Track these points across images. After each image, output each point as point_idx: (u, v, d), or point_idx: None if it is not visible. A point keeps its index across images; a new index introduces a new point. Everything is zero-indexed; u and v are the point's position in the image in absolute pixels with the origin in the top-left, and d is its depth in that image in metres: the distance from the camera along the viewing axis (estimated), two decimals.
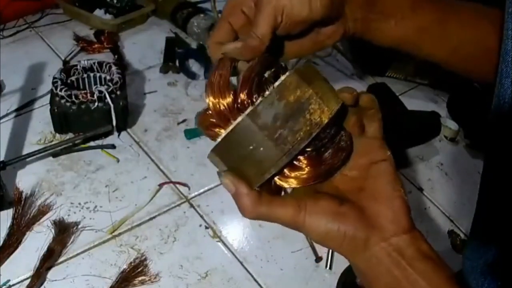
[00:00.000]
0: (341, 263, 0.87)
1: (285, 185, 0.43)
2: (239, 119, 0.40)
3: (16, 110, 1.11)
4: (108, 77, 1.06)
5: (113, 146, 1.04)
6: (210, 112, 0.43)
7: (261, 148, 0.40)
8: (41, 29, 1.36)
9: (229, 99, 0.42)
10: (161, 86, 1.21)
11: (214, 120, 0.43)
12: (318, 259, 0.87)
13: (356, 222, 0.42)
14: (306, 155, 0.42)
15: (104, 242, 0.88)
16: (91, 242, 0.87)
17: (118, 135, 1.06)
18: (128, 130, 1.08)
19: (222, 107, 0.42)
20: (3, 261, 0.83)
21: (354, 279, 0.84)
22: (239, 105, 0.41)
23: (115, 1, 1.40)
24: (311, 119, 0.40)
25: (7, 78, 1.18)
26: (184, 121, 1.12)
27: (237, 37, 0.53)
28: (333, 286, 0.85)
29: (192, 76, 1.23)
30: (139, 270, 0.83)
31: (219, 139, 0.42)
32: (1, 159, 0.95)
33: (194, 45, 1.31)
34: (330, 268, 0.86)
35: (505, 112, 0.53)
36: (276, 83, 0.41)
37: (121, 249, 0.87)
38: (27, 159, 0.98)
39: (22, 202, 0.90)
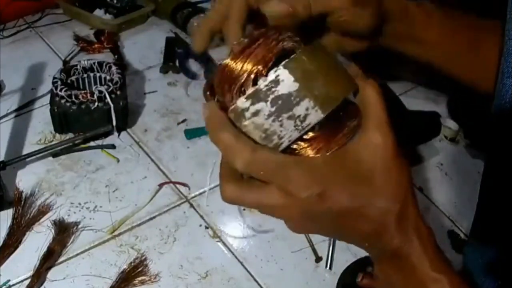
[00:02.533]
0: (341, 263, 0.87)
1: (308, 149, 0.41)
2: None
3: (16, 110, 1.11)
4: (108, 77, 1.06)
5: (113, 146, 1.04)
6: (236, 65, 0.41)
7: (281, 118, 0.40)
8: (41, 29, 1.36)
9: (228, 98, 0.41)
10: (161, 86, 1.21)
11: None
12: (318, 259, 0.87)
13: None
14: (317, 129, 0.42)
15: (104, 242, 0.88)
16: (91, 242, 0.87)
17: (118, 135, 1.06)
18: (128, 130, 1.08)
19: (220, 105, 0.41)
20: (3, 261, 0.83)
21: (354, 279, 0.84)
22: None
23: (115, 1, 1.40)
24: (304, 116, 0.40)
25: (7, 78, 1.18)
26: (184, 121, 1.12)
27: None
28: (333, 286, 0.85)
29: (192, 76, 1.23)
30: (139, 270, 0.83)
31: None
32: (1, 159, 0.95)
33: None
34: (330, 268, 0.86)
35: (506, 112, 0.53)
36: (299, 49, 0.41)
37: (121, 249, 0.87)
38: (27, 159, 0.98)
39: (22, 202, 0.90)
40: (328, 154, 0.41)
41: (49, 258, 0.83)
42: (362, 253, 0.68)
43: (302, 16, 0.47)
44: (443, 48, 0.59)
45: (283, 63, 0.39)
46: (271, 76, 0.39)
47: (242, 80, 0.40)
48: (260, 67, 0.40)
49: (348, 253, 0.88)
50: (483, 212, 0.60)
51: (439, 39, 0.58)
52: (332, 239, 0.89)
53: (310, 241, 0.89)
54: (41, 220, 0.89)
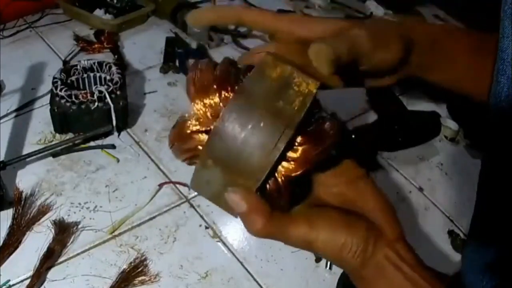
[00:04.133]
0: None
1: (293, 172, 0.39)
2: (232, 96, 0.38)
3: (16, 110, 1.11)
4: (108, 77, 1.06)
5: (113, 146, 1.04)
6: (191, 115, 0.40)
7: (262, 124, 0.37)
8: (41, 29, 1.36)
9: (215, 96, 0.39)
10: (161, 86, 1.21)
11: (196, 123, 0.40)
12: (318, 259, 0.87)
13: (365, 230, 0.42)
14: (306, 131, 0.40)
15: (104, 242, 0.88)
16: (91, 242, 0.87)
17: (118, 135, 1.06)
18: (128, 130, 1.08)
19: (208, 103, 0.39)
20: (3, 261, 0.83)
21: None
22: (222, 99, 0.39)
23: (115, 1, 1.40)
24: (300, 91, 0.39)
25: (7, 78, 1.18)
26: None
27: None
28: (333, 286, 0.85)
29: None
30: (139, 270, 0.83)
31: (213, 131, 0.38)
32: (1, 159, 0.95)
33: (194, 45, 1.31)
34: (330, 268, 0.86)
35: (503, 110, 0.53)
36: (256, 64, 0.40)
37: (121, 249, 0.87)
38: (27, 159, 0.98)
39: (22, 202, 0.90)
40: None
41: (49, 258, 0.83)
42: None
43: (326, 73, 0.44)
44: (472, 73, 0.57)
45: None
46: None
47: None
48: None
49: None
50: (481, 212, 0.60)
51: (468, 65, 0.56)
52: None
53: None
54: (41, 220, 0.89)
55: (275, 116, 0.37)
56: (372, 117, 1.14)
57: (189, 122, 0.40)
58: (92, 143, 1.04)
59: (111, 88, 1.01)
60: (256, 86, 0.38)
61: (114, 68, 1.06)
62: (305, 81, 0.39)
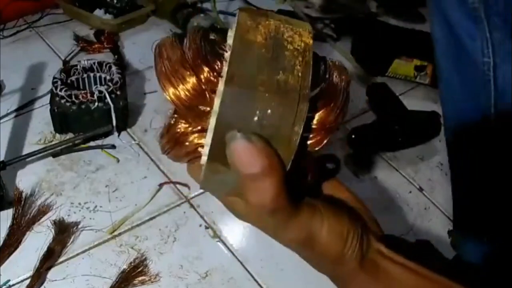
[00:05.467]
0: None
1: (320, 142, 0.33)
2: (220, 85, 0.31)
3: (16, 110, 1.11)
4: (108, 77, 1.06)
5: (113, 146, 1.04)
6: (175, 119, 0.34)
7: (269, 111, 0.30)
8: (41, 29, 1.36)
9: (192, 81, 0.32)
10: None
11: (186, 125, 0.33)
12: None
13: (360, 222, 0.41)
14: (318, 92, 0.33)
15: (104, 242, 0.88)
16: (91, 242, 0.87)
17: (118, 135, 1.06)
18: (128, 130, 1.08)
19: (188, 95, 0.32)
20: (3, 261, 0.83)
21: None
22: (206, 86, 0.32)
23: (115, 1, 1.40)
24: (296, 48, 0.32)
25: (7, 78, 1.18)
26: None
27: None
28: (333, 286, 0.85)
29: None
30: (139, 270, 0.83)
31: (208, 134, 0.32)
32: (1, 159, 0.95)
33: None
34: None
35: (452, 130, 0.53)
36: (233, 28, 0.32)
37: (121, 249, 0.87)
38: (27, 159, 0.98)
39: (22, 202, 0.90)
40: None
41: (49, 258, 0.83)
42: None
43: None
44: None
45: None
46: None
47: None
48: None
49: None
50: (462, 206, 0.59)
51: None
52: None
53: None
54: (41, 220, 0.89)
55: (280, 94, 0.30)
56: (372, 117, 1.14)
57: (178, 125, 0.34)
58: (92, 143, 1.04)
59: (111, 88, 1.01)
60: (245, 61, 0.31)
61: (114, 68, 1.06)
62: (296, 33, 0.33)
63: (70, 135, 1.04)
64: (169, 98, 0.33)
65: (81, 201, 0.93)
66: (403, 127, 1.06)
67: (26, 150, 1.01)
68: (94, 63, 1.07)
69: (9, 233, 0.86)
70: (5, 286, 0.80)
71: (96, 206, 0.93)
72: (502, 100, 0.51)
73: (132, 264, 0.83)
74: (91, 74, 1.08)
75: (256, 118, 0.30)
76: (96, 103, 1.00)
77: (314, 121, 0.33)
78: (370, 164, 1.06)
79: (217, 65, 0.32)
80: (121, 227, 0.90)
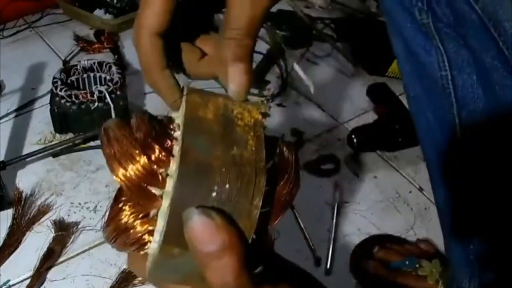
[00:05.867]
0: (341, 264, 0.87)
1: (278, 215, 0.33)
2: (172, 167, 0.30)
3: (16, 110, 1.11)
4: (108, 77, 1.06)
5: None
6: (123, 202, 0.32)
7: (227, 185, 0.29)
8: (41, 29, 1.36)
9: (143, 160, 0.31)
10: None
11: (132, 209, 0.32)
12: (317, 259, 0.87)
13: None
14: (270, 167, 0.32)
15: (104, 242, 0.87)
16: (91, 242, 0.87)
17: None
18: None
19: (139, 176, 0.31)
20: (3, 261, 0.83)
21: (370, 251, 0.85)
22: (157, 166, 0.31)
23: (115, 1, 1.40)
24: (246, 124, 0.32)
25: (7, 78, 1.18)
26: None
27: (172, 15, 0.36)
28: (333, 286, 0.85)
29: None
30: None
31: (159, 218, 0.30)
32: (1, 159, 0.95)
33: None
34: (330, 268, 0.86)
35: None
36: (182, 107, 0.32)
37: None
38: (27, 159, 0.98)
39: (22, 202, 0.90)
40: None
41: (49, 258, 0.83)
42: None
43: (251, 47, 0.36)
44: None
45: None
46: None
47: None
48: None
49: (348, 254, 0.88)
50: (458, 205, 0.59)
51: None
52: (332, 240, 0.89)
53: (310, 241, 0.89)
54: (41, 220, 0.89)
55: (237, 168, 0.29)
56: (372, 117, 1.14)
57: (124, 211, 0.32)
58: (92, 143, 1.04)
59: (111, 88, 1.01)
60: (198, 138, 0.30)
61: (114, 68, 1.06)
62: (245, 109, 0.33)
63: (70, 135, 1.04)
64: (118, 180, 0.31)
65: (81, 201, 0.93)
66: (403, 127, 1.06)
67: (26, 150, 1.01)
68: (94, 63, 1.07)
69: (9, 233, 0.86)
70: (5, 286, 0.80)
71: (96, 206, 0.93)
72: (465, 111, 0.51)
73: None
74: (91, 74, 1.08)
75: (214, 194, 0.29)
76: (96, 103, 1.00)
77: (272, 196, 0.32)
78: (370, 164, 1.06)
79: (168, 144, 0.31)
80: None
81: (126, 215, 0.32)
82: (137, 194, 0.31)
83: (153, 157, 0.31)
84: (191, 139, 0.30)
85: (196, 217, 0.27)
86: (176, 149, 0.31)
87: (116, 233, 0.32)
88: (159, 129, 0.32)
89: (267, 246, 0.34)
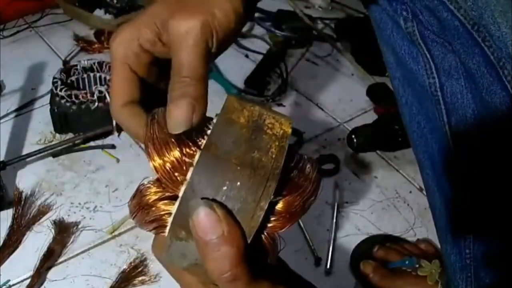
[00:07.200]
0: (341, 263, 0.87)
1: (282, 227, 0.34)
2: (197, 156, 0.32)
3: (16, 110, 1.11)
4: (108, 77, 1.06)
5: (113, 146, 1.04)
6: (153, 182, 0.34)
7: (238, 183, 0.31)
8: (41, 29, 1.36)
9: (177, 153, 0.33)
10: None
11: (157, 189, 0.34)
12: (317, 259, 0.87)
13: None
14: (288, 180, 0.34)
15: (104, 242, 0.88)
16: (91, 242, 0.87)
17: (118, 135, 1.06)
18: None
19: (170, 166, 0.33)
20: (3, 261, 0.83)
21: (370, 250, 0.86)
22: (187, 159, 0.33)
23: (115, 1, 1.40)
24: (275, 134, 0.34)
25: (7, 78, 1.18)
26: None
27: (146, 86, 0.41)
28: (333, 286, 0.85)
29: None
30: (139, 270, 0.83)
31: (177, 202, 0.32)
32: (1, 159, 0.95)
33: None
34: (330, 268, 0.86)
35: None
36: (221, 109, 0.34)
37: (121, 249, 0.87)
38: (27, 159, 0.98)
39: (22, 202, 0.90)
40: None
41: (49, 258, 0.83)
42: None
43: (203, 92, 0.37)
44: None
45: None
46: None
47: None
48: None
49: (348, 254, 0.88)
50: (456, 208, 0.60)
51: None
52: (332, 240, 0.89)
53: (310, 241, 0.89)
54: (41, 220, 0.89)
55: (252, 170, 0.32)
56: (372, 117, 1.14)
57: (150, 189, 0.34)
58: (92, 143, 1.04)
59: None
60: (225, 137, 0.33)
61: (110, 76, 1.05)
62: (277, 121, 0.34)
63: (70, 135, 1.04)
64: (151, 164, 0.34)
65: (81, 201, 0.93)
66: (403, 127, 1.05)
67: (26, 150, 1.01)
68: (94, 63, 1.08)
69: (9, 233, 0.86)
70: (5, 286, 0.80)
71: (96, 206, 0.93)
72: (454, 117, 0.51)
73: (132, 264, 0.83)
74: (91, 74, 1.08)
75: (224, 188, 0.31)
76: (96, 103, 1.00)
77: (280, 204, 0.33)
78: (370, 164, 1.06)
79: (200, 141, 0.34)
80: (121, 227, 0.90)
81: (151, 193, 0.34)
82: (166, 177, 0.33)
83: (184, 151, 0.33)
84: (217, 137, 0.32)
85: (201, 207, 0.30)
86: (204, 143, 0.33)
87: (138, 208, 0.35)
88: (196, 127, 0.34)
89: (271, 252, 0.35)
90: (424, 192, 1.02)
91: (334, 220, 0.92)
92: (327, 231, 0.91)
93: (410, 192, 1.02)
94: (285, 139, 0.34)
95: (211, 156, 0.32)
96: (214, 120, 0.35)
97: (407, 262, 0.82)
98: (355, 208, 0.96)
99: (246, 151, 0.32)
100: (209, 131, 0.34)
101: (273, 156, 0.33)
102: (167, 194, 0.34)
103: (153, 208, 0.34)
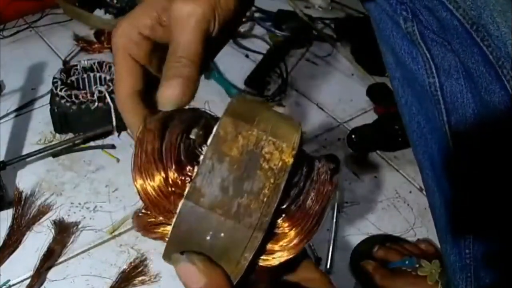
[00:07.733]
0: (341, 263, 0.87)
1: (275, 262, 0.32)
2: (180, 203, 0.30)
3: (16, 110, 1.11)
4: (108, 77, 1.06)
5: (113, 146, 1.04)
6: (144, 210, 0.34)
7: (222, 234, 0.30)
8: (41, 29, 1.36)
9: (159, 180, 0.31)
10: None
11: (153, 219, 0.33)
12: (317, 259, 0.87)
13: None
14: (284, 215, 0.32)
15: (104, 242, 0.88)
16: (91, 242, 0.87)
17: (118, 135, 1.06)
18: (128, 130, 1.08)
19: (153, 193, 0.32)
20: (3, 261, 0.83)
21: (370, 250, 0.86)
22: (173, 188, 0.31)
23: (115, 1, 1.40)
24: (271, 167, 0.30)
25: (7, 78, 1.18)
26: None
27: (148, 75, 0.40)
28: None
29: None
30: (139, 270, 0.83)
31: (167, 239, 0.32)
32: (1, 159, 0.95)
33: None
34: (330, 268, 0.86)
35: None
36: (209, 139, 0.31)
37: (121, 249, 0.87)
38: (27, 159, 0.98)
39: (22, 202, 0.90)
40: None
41: (49, 258, 0.83)
42: None
43: (196, 76, 0.37)
44: None
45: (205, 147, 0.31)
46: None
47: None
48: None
49: (348, 254, 0.88)
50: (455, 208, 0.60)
51: None
52: (332, 240, 0.89)
53: (310, 242, 0.89)
54: (41, 220, 0.89)
55: (236, 220, 0.29)
56: (372, 117, 1.14)
57: (146, 216, 0.34)
58: (92, 143, 1.04)
59: (111, 88, 1.01)
60: (211, 179, 0.30)
61: (114, 68, 1.06)
62: (278, 148, 0.30)
63: (70, 135, 1.04)
64: (136, 189, 0.33)
65: (81, 201, 0.93)
66: (403, 127, 1.05)
67: (26, 150, 1.01)
68: (94, 63, 1.07)
69: (9, 233, 0.86)
70: (5, 286, 0.80)
71: (96, 206, 0.93)
72: (454, 117, 0.51)
73: (132, 264, 0.83)
74: (91, 74, 1.08)
75: (208, 238, 0.30)
76: (96, 103, 1.00)
77: (275, 241, 0.32)
78: (370, 164, 1.06)
79: (189, 170, 0.31)
80: (121, 227, 0.90)
81: (150, 218, 0.34)
82: (152, 207, 0.33)
83: (170, 180, 0.31)
84: (203, 180, 0.30)
85: (181, 262, 0.31)
86: (192, 177, 0.31)
87: (141, 230, 0.35)
88: (185, 150, 0.32)
89: (263, 281, 0.34)
90: (424, 192, 1.02)
91: (334, 220, 0.92)
92: (327, 231, 0.91)
93: (410, 192, 1.02)
94: (284, 173, 0.30)
95: (195, 202, 0.30)
96: (209, 141, 0.31)
97: (407, 262, 0.82)
98: (355, 208, 0.96)
99: (233, 196, 0.30)
100: (201, 157, 0.31)
101: (265, 199, 0.30)
102: (162, 220, 0.33)
103: (154, 231, 0.34)
